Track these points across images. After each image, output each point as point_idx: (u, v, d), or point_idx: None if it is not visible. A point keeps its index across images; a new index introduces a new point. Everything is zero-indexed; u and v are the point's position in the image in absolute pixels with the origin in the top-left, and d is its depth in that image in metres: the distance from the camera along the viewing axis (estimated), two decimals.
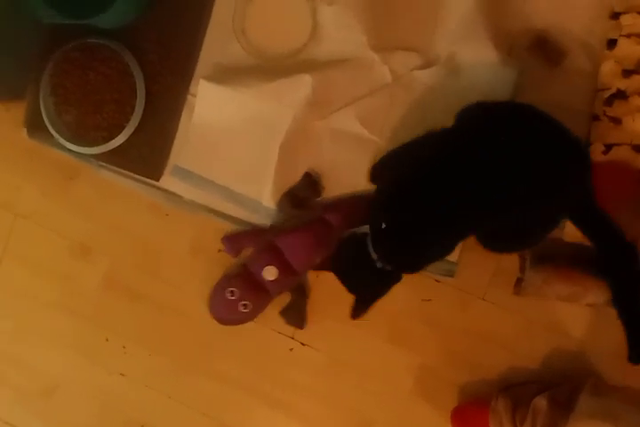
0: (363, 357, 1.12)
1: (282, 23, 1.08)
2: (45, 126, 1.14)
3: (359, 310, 0.96)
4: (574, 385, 0.97)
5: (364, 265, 0.91)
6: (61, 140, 1.14)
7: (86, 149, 1.13)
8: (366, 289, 0.95)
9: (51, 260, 1.20)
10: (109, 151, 1.13)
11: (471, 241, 1.05)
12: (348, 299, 1.09)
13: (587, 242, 1.00)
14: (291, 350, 1.14)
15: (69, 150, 1.14)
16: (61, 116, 1.13)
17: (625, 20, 0.96)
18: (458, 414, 1.07)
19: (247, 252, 1.12)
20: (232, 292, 1.07)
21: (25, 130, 1.18)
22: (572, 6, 0.99)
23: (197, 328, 1.16)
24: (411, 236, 0.85)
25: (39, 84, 1.13)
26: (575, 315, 1.05)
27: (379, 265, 0.89)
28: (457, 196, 0.82)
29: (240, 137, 1.10)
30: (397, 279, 0.93)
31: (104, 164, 1.16)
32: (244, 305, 1.07)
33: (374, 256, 0.89)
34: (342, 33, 1.03)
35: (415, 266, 0.91)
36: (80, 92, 1.12)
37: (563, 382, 1.00)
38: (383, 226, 0.86)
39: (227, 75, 1.08)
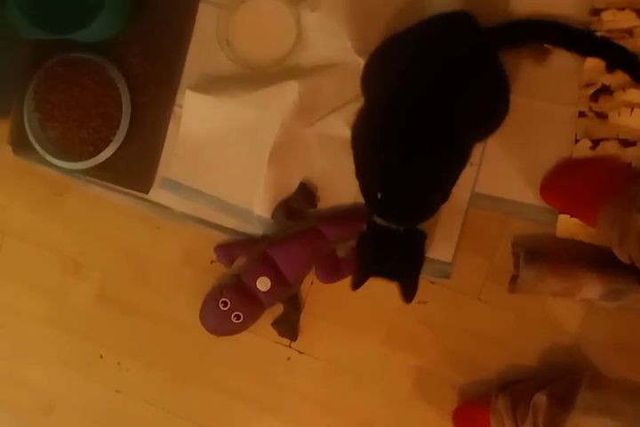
0: (361, 361, 1.11)
1: (266, 31, 1.08)
2: (31, 143, 1.13)
3: (410, 290, 0.94)
4: (572, 379, 0.97)
5: (388, 244, 0.92)
6: (47, 157, 1.13)
7: (73, 164, 1.12)
8: (408, 265, 0.94)
9: (42, 276, 1.20)
10: (97, 166, 1.12)
11: (464, 242, 1.07)
12: (344, 303, 1.10)
13: (578, 237, 1.02)
14: (288, 359, 1.13)
15: (56, 166, 1.13)
16: (47, 131, 1.13)
17: (606, 16, 0.97)
18: (460, 414, 1.07)
19: (240, 262, 1.11)
20: (224, 302, 1.06)
21: (10, 147, 1.17)
22: (553, 3, 1.00)
23: (193, 340, 1.15)
24: (409, 182, 0.88)
25: (23, 101, 1.12)
26: (570, 310, 1.05)
27: (393, 227, 0.90)
28: (425, 122, 0.85)
29: (228, 146, 1.10)
30: (423, 236, 0.94)
31: (92, 178, 1.15)
32: (237, 316, 1.06)
33: (388, 223, 0.90)
34: (327, 39, 1.03)
35: (429, 208, 0.93)
36: (65, 107, 1.11)
37: (561, 377, 1.01)
38: (379, 196, 0.89)
39: (213, 84, 1.08)
